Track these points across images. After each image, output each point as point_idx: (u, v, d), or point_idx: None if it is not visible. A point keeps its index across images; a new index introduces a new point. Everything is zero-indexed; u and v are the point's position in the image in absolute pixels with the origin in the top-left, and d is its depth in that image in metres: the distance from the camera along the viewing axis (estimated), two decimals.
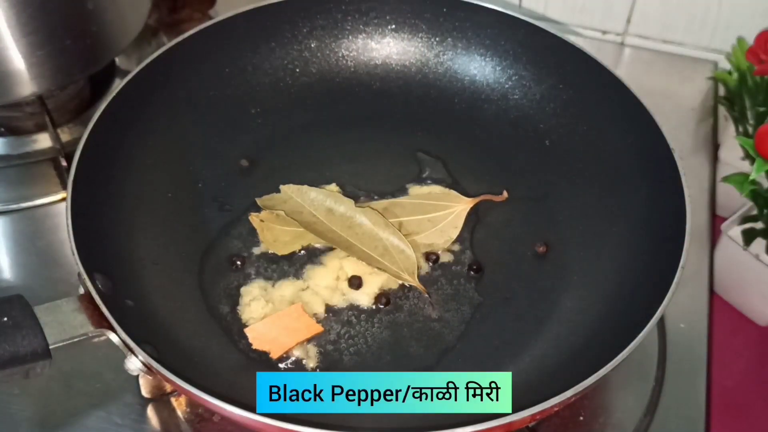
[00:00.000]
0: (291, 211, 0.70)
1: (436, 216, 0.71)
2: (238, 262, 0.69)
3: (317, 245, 0.70)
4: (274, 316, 0.65)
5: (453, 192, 0.73)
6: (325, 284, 0.67)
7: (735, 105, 0.83)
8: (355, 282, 0.67)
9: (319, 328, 0.65)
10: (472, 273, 0.69)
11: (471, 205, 0.71)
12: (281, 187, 0.72)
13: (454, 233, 0.70)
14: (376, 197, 0.73)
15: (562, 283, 0.68)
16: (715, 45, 0.94)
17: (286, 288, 0.67)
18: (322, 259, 0.69)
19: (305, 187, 0.71)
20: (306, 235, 0.69)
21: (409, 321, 0.66)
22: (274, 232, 0.70)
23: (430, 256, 0.70)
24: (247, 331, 0.64)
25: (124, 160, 0.70)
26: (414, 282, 0.67)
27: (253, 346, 0.64)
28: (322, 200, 0.70)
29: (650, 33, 0.96)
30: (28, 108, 0.82)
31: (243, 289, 0.67)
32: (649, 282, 0.62)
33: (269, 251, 0.70)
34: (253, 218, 0.70)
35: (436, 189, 0.74)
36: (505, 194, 0.72)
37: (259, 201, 0.72)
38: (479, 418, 0.52)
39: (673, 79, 0.93)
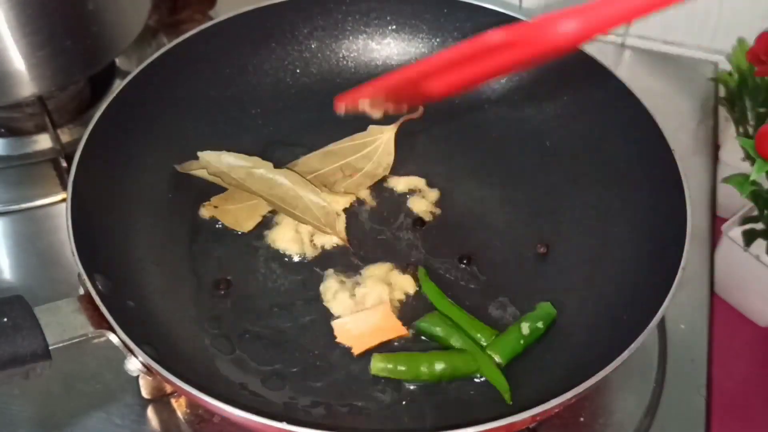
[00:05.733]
0: (212, 174, 0.71)
1: (369, 151, 0.74)
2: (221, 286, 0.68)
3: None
4: (363, 314, 0.65)
5: (373, 126, 0.75)
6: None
7: (735, 106, 0.83)
8: None
9: (403, 331, 0.65)
10: (464, 265, 0.69)
11: (395, 130, 0.74)
12: (199, 153, 0.72)
13: (390, 158, 0.75)
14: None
15: (562, 284, 0.68)
16: (716, 46, 0.94)
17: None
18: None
19: (223, 153, 0.72)
20: (260, 205, 0.71)
21: None
22: (232, 213, 0.71)
23: (417, 222, 0.72)
24: (333, 323, 0.65)
25: (124, 161, 0.70)
26: (336, 234, 0.69)
27: (337, 339, 0.64)
28: (241, 164, 0.71)
29: (651, 34, 0.96)
30: (28, 109, 0.82)
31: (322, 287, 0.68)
32: (649, 283, 0.62)
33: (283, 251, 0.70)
34: (207, 208, 0.72)
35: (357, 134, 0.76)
36: (421, 110, 0.74)
37: (179, 168, 0.72)
38: (479, 419, 0.52)
39: (674, 80, 0.93)
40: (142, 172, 0.71)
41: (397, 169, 0.76)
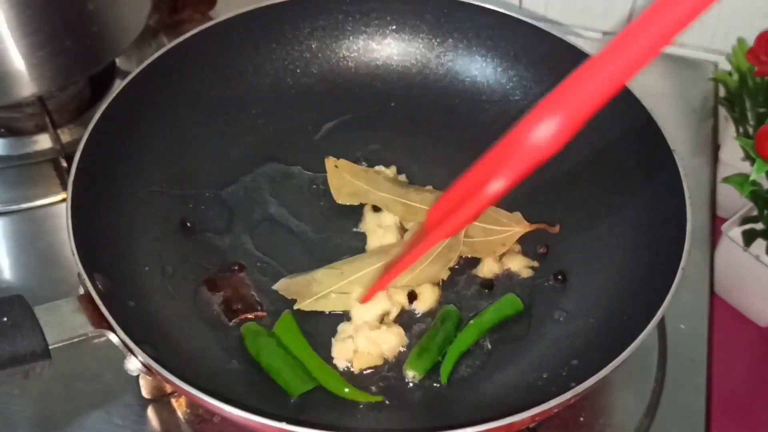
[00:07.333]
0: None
1: (493, 229, 0.70)
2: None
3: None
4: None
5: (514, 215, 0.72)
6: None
7: (735, 106, 0.83)
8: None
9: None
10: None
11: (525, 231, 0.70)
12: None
13: (501, 249, 0.70)
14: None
15: (562, 284, 0.68)
16: (716, 46, 0.94)
17: None
18: None
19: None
20: (368, 195, 0.72)
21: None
22: (343, 180, 0.72)
23: None
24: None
25: (124, 161, 0.70)
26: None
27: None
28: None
29: None
30: (28, 109, 0.82)
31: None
32: (649, 283, 0.62)
33: None
34: (329, 161, 0.74)
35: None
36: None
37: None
38: (479, 419, 0.52)
39: (674, 80, 0.93)
40: (142, 173, 0.71)
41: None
